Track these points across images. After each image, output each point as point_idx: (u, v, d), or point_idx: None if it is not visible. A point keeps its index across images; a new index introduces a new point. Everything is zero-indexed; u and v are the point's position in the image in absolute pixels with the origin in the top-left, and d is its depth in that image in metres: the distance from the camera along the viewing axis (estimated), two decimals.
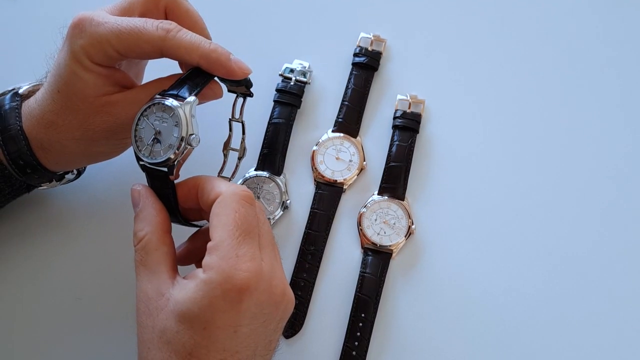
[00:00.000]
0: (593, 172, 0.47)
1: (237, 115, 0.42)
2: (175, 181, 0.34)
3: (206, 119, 0.43)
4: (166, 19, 0.38)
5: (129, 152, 0.45)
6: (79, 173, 0.43)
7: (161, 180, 0.34)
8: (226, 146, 0.41)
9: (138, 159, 0.34)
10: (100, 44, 0.34)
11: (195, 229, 0.37)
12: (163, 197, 0.34)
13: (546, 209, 0.46)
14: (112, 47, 0.34)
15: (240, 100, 0.42)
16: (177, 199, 0.34)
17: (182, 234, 0.37)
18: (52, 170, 0.38)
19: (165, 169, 0.33)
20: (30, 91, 0.38)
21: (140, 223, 0.33)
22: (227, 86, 0.41)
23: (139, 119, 0.34)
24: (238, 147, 0.42)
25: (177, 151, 0.33)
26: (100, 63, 0.35)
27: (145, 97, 0.35)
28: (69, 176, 0.41)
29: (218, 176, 0.40)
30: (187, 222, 0.36)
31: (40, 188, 0.40)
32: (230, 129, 0.42)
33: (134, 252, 0.33)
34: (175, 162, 0.33)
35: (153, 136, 0.33)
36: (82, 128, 0.36)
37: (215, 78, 0.37)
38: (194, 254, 0.36)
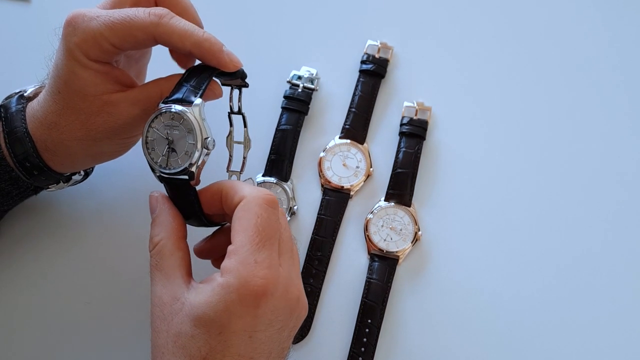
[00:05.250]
0: (600, 177, 0.47)
1: (235, 108, 0.41)
2: (198, 187, 0.34)
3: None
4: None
5: (137, 156, 0.45)
6: (87, 174, 0.43)
7: (182, 188, 0.34)
8: (229, 140, 0.40)
9: (153, 170, 0.34)
10: (94, 38, 0.33)
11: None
12: (187, 204, 0.34)
13: (553, 214, 0.46)
14: (106, 40, 0.34)
15: (237, 92, 0.41)
16: (200, 204, 0.34)
17: (198, 236, 0.37)
18: (58, 172, 0.38)
19: (186, 177, 0.33)
20: (35, 93, 0.38)
21: (156, 228, 0.33)
22: (220, 80, 0.40)
23: (147, 131, 0.33)
24: (242, 140, 0.41)
25: (195, 157, 0.32)
26: (97, 59, 0.34)
27: (144, 97, 0.35)
28: (76, 177, 0.41)
29: (227, 171, 0.40)
30: (213, 223, 0.36)
31: (47, 190, 0.40)
32: (231, 123, 0.41)
33: (149, 257, 0.33)
34: (195, 169, 0.33)
35: (167, 146, 0.33)
36: (84, 128, 0.36)
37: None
38: (214, 249, 0.37)
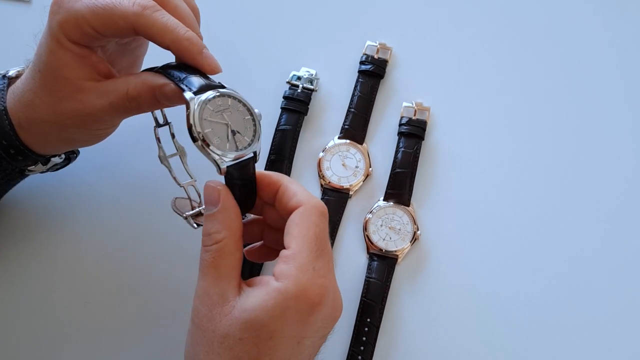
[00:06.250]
0: (599, 178, 0.47)
1: (161, 120, 0.38)
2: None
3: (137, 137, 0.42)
4: None
5: (136, 154, 0.46)
6: (69, 159, 0.42)
7: (248, 169, 0.33)
8: (163, 156, 0.37)
9: (220, 162, 0.31)
10: (76, 20, 0.33)
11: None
12: (245, 188, 0.33)
13: (552, 214, 0.46)
14: (87, 23, 0.33)
15: None
16: (256, 187, 0.34)
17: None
18: (35, 152, 0.38)
19: (252, 154, 0.32)
20: (18, 75, 0.38)
21: (219, 224, 0.32)
22: None
23: (202, 125, 0.31)
24: (175, 152, 0.38)
25: (259, 130, 0.32)
26: (77, 41, 0.34)
27: (112, 90, 0.35)
28: (56, 159, 0.40)
29: (181, 185, 0.37)
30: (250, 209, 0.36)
31: (29, 173, 0.40)
32: (158, 138, 0.37)
33: (201, 251, 0.32)
34: (260, 143, 0.32)
35: (228, 130, 0.32)
36: (54, 112, 0.35)
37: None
38: (245, 235, 0.36)
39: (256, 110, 0.33)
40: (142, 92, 0.35)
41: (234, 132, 0.32)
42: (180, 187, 0.36)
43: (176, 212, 0.36)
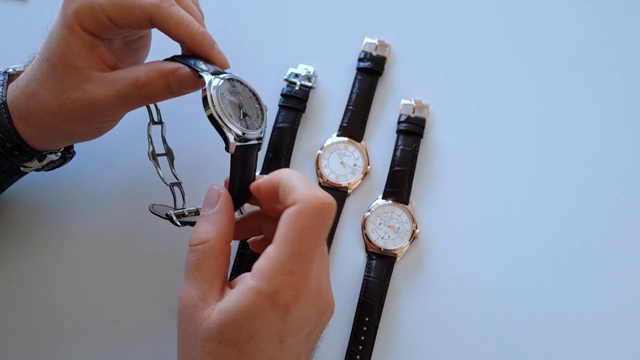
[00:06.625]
0: (597, 174, 0.47)
1: (155, 118, 0.39)
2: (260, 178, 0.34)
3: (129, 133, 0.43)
4: None
5: (133, 154, 0.45)
6: (65, 157, 0.42)
7: (251, 153, 0.34)
8: (152, 154, 0.37)
9: (229, 139, 0.32)
10: (92, 8, 0.34)
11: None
12: (246, 174, 0.34)
13: (550, 211, 0.46)
14: (103, 12, 0.34)
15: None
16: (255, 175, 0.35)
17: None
18: (32, 146, 0.38)
19: (257, 141, 0.33)
20: (20, 71, 0.38)
21: (209, 225, 0.32)
22: None
23: (219, 100, 0.32)
24: (163, 152, 0.39)
25: (266, 117, 0.34)
26: (90, 30, 0.35)
27: (120, 78, 0.35)
28: (52, 156, 0.40)
29: (168, 184, 0.37)
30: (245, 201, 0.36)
31: (25, 169, 0.40)
32: (150, 136, 0.38)
33: (187, 252, 0.31)
34: (264, 130, 0.33)
35: (241, 110, 0.33)
36: (59, 102, 0.35)
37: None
38: (242, 231, 0.36)
39: (263, 103, 0.35)
40: (154, 78, 0.35)
41: (244, 114, 0.33)
42: (167, 185, 0.37)
43: (156, 214, 0.35)
